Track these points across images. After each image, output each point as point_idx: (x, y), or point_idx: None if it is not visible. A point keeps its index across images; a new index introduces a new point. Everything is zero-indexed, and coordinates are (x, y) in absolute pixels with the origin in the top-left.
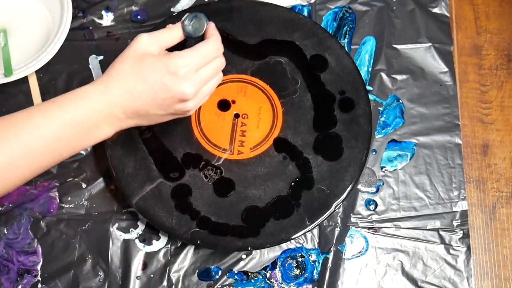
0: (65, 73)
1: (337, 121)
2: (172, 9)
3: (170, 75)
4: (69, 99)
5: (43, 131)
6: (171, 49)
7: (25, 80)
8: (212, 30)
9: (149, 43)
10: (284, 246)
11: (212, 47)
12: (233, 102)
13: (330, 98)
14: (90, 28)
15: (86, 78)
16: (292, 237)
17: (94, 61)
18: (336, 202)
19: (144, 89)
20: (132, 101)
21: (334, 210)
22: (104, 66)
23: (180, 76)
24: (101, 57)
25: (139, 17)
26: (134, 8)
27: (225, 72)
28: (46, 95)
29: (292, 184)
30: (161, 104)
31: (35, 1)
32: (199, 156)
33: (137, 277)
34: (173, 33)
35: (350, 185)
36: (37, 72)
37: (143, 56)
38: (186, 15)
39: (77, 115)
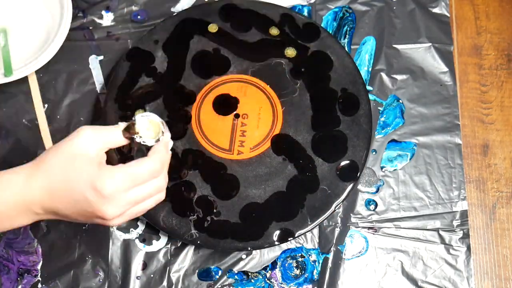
0: (65, 73)
1: (338, 121)
2: (172, 9)
3: (94, 191)
4: None
5: None
6: None
7: (25, 80)
8: (159, 147)
9: (90, 140)
10: (284, 246)
11: (150, 168)
12: (238, 101)
13: (330, 98)
14: (90, 28)
15: (86, 78)
16: (292, 238)
17: (94, 61)
18: (336, 202)
19: (66, 194)
20: (51, 201)
21: (334, 210)
22: (104, 66)
23: (105, 195)
24: (101, 57)
25: (139, 17)
26: (134, 8)
27: (226, 71)
28: (46, 95)
29: (293, 184)
30: (80, 213)
31: (35, 1)
32: (199, 156)
33: (137, 277)
34: (119, 134)
35: (350, 185)
36: (37, 72)
37: (77, 156)
38: (138, 116)
39: None
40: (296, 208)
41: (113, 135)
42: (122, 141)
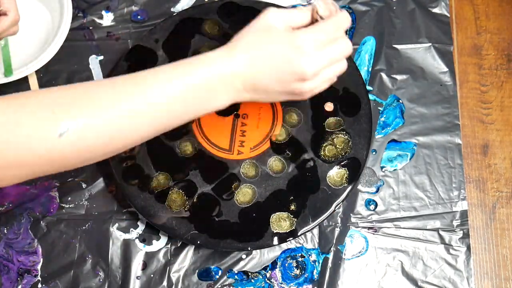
0: (65, 73)
1: (336, 123)
2: (172, 9)
3: (295, 49)
4: (192, 63)
5: (167, 89)
6: None
7: (25, 80)
8: (334, 7)
9: (276, 17)
10: (284, 246)
11: (337, 24)
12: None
13: (330, 98)
14: (90, 28)
15: (86, 78)
16: (293, 237)
17: (94, 61)
18: (337, 202)
19: (267, 60)
20: (253, 72)
21: (334, 210)
22: (104, 66)
23: (304, 51)
24: (101, 57)
25: (139, 17)
26: (134, 8)
27: None
28: None
29: (294, 184)
30: (280, 79)
31: (35, 1)
32: (199, 156)
33: (137, 277)
34: (302, 14)
35: (351, 185)
36: (37, 72)
37: (270, 28)
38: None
39: (199, 78)
40: (298, 207)
41: (295, 13)
42: (305, 20)
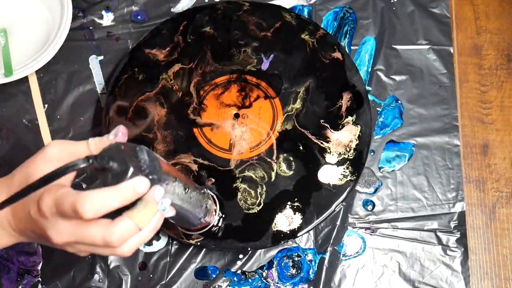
0: (65, 73)
1: (338, 121)
2: (172, 9)
3: (37, 208)
4: None
5: None
6: None
7: (25, 80)
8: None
9: (52, 155)
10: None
11: (92, 202)
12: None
13: (330, 98)
14: (90, 28)
15: (86, 78)
16: (291, 238)
17: (94, 61)
18: (339, 200)
19: (22, 213)
20: (15, 220)
21: (334, 210)
22: (104, 66)
23: (44, 215)
24: (101, 57)
25: (139, 17)
26: (134, 8)
27: (227, 72)
28: (46, 95)
29: (296, 183)
30: (40, 236)
31: (35, 1)
32: (201, 157)
33: (136, 277)
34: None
35: (352, 183)
36: (37, 72)
37: (33, 173)
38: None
39: None
40: (301, 207)
41: (79, 148)
42: (83, 152)
